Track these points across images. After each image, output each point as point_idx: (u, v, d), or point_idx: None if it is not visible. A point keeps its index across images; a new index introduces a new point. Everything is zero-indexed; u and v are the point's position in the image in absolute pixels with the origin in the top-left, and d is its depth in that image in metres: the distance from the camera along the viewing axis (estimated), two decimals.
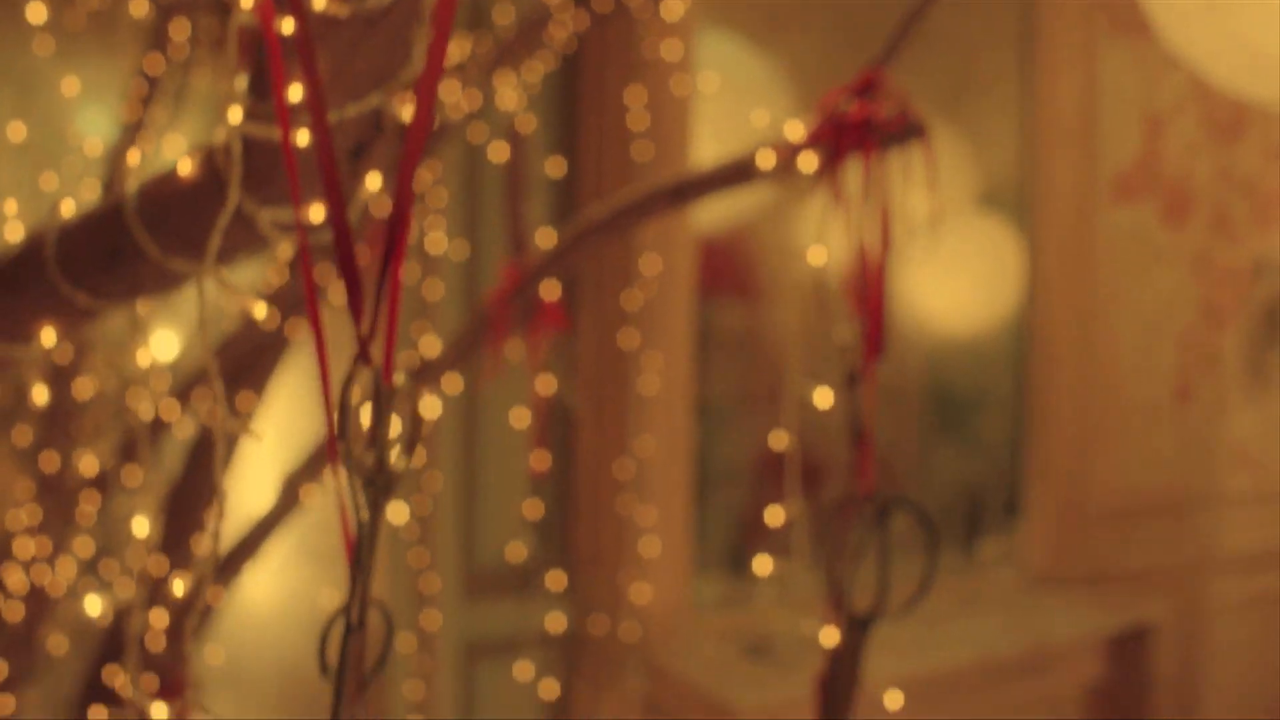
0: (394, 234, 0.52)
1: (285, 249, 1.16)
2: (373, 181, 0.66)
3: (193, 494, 1.43)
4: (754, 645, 2.09)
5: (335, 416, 0.50)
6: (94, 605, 0.81)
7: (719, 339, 2.24)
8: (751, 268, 2.27)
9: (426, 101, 0.49)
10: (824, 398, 1.03)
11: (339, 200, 0.49)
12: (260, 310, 0.57)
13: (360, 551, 0.51)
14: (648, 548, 2.08)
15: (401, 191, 0.49)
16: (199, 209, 0.68)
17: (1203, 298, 2.78)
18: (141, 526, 0.80)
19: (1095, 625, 2.28)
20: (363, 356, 0.51)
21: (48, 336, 0.77)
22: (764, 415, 2.26)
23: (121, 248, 0.72)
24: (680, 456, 2.11)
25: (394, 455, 0.53)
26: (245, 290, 0.55)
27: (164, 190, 0.70)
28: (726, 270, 2.23)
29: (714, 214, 2.18)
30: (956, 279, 2.45)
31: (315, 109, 0.48)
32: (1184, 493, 2.75)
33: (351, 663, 0.52)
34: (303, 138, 0.57)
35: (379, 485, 0.52)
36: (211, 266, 0.63)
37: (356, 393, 0.51)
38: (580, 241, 1.18)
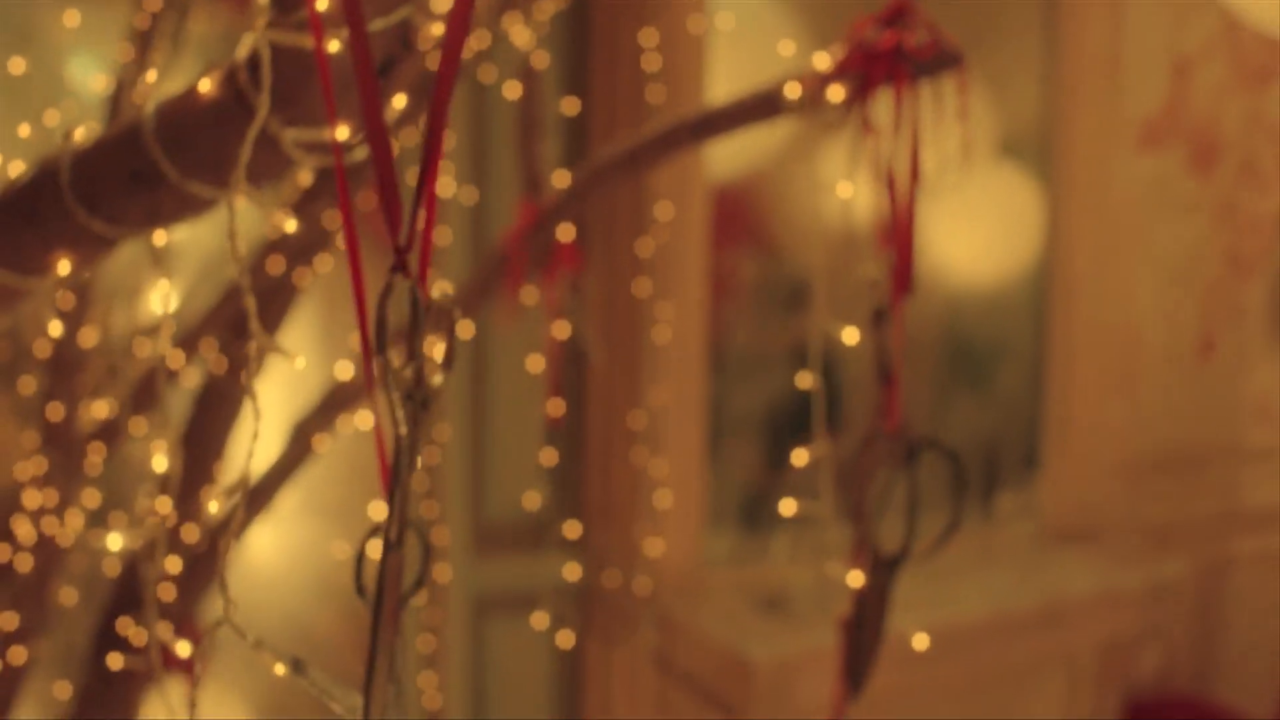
0: (431, 141, 0.51)
1: (304, 176, 1.15)
2: (399, 101, 0.65)
3: (201, 445, 1.44)
4: (769, 599, 2.10)
5: (372, 330, 0.50)
6: (115, 541, 0.82)
7: (733, 289, 2.23)
8: (767, 216, 2.25)
9: (463, 7, 0.49)
10: (850, 335, 1.03)
11: (375, 103, 0.48)
12: (291, 225, 0.57)
13: (399, 468, 0.51)
14: (661, 500, 2.09)
15: (439, 95, 0.48)
16: (220, 129, 0.67)
17: (1228, 248, 2.77)
18: (160, 463, 0.80)
19: (1113, 580, 2.29)
20: (400, 267, 0.51)
21: (63, 268, 0.76)
22: (780, 368, 2.26)
23: (140, 170, 0.71)
24: (694, 408, 2.11)
25: (432, 371, 0.53)
26: (272, 205, 0.55)
27: (183, 110, 0.69)
28: (742, 218, 2.22)
29: (729, 161, 2.17)
30: (975, 227, 2.44)
31: (351, 9, 0.47)
32: (1205, 447, 2.76)
33: (389, 583, 0.52)
34: (331, 48, 0.56)
35: (418, 400, 0.52)
36: (237, 187, 0.62)
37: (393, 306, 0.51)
38: (599, 178, 1.18)
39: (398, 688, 0.56)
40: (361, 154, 0.69)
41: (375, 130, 0.49)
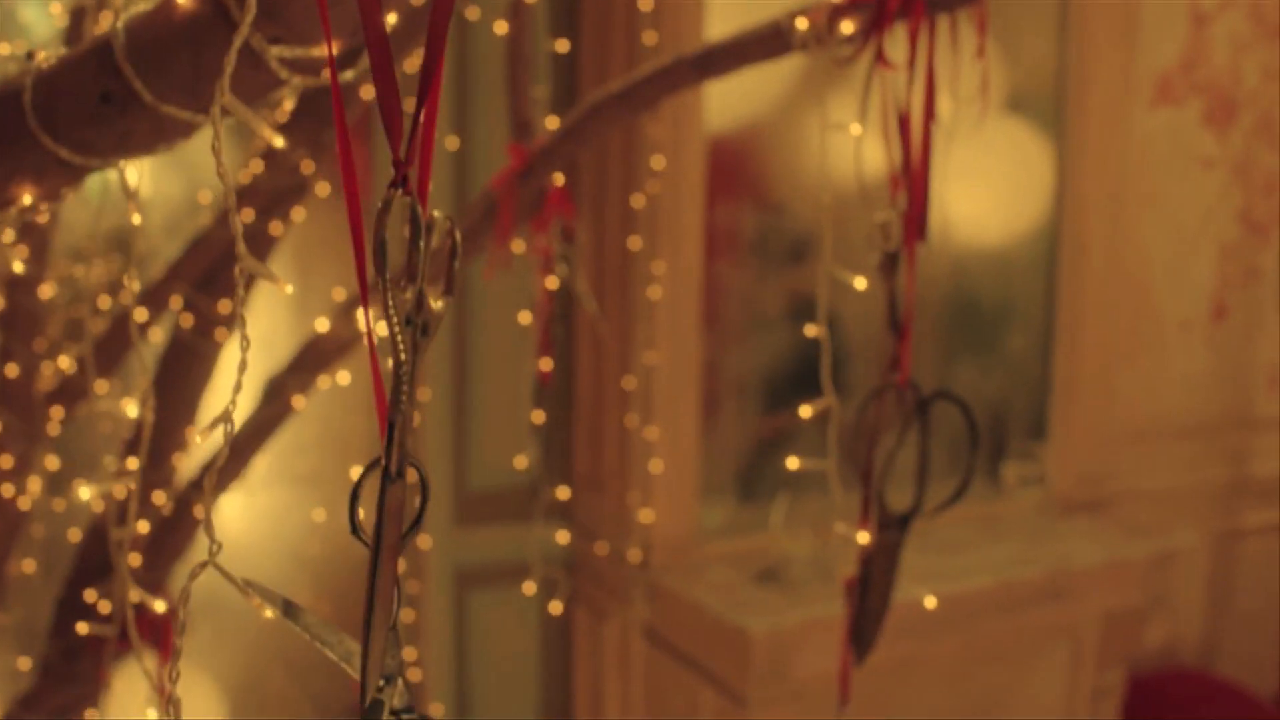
0: (431, 52, 0.50)
1: (282, 110, 1.13)
2: (390, 17, 0.64)
3: (170, 406, 1.42)
4: (766, 570, 2.11)
5: (371, 249, 0.50)
6: (86, 492, 0.81)
7: (731, 245, 2.23)
8: (767, 168, 2.24)
9: None
10: (860, 283, 1.03)
11: (374, 3, 0.47)
12: (279, 140, 0.55)
13: (397, 396, 0.50)
14: (654, 466, 2.09)
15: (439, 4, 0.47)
16: (198, 46, 0.66)
17: (1245, 208, 2.78)
18: (131, 415, 0.79)
19: (1119, 551, 2.30)
20: (399, 183, 0.50)
21: (26, 200, 0.75)
22: (780, 328, 2.26)
23: (110, 92, 0.69)
24: (689, 369, 2.10)
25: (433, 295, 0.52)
26: (258, 123, 0.54)
27: (157, 26, 0.67)
28: (740, 170, 2.21)
29: (728, 110, 2.15)
30: (984, 183, 2.43)
31: None
32: (1217, 415, 2.78)
33: (390, 518, 0.52)
34: None
35: (418, 325, 0.51)
36: (219, 107, 0.61)
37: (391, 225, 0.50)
38: (592, 118, 1.16)
39: (396, 633, 0.55)
40: (352, 75, 0.68)
41: (375, 33, 0.48)
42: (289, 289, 0.56)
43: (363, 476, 0.52)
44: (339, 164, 0.52)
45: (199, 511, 1.38)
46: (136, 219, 0.67)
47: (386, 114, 0.49)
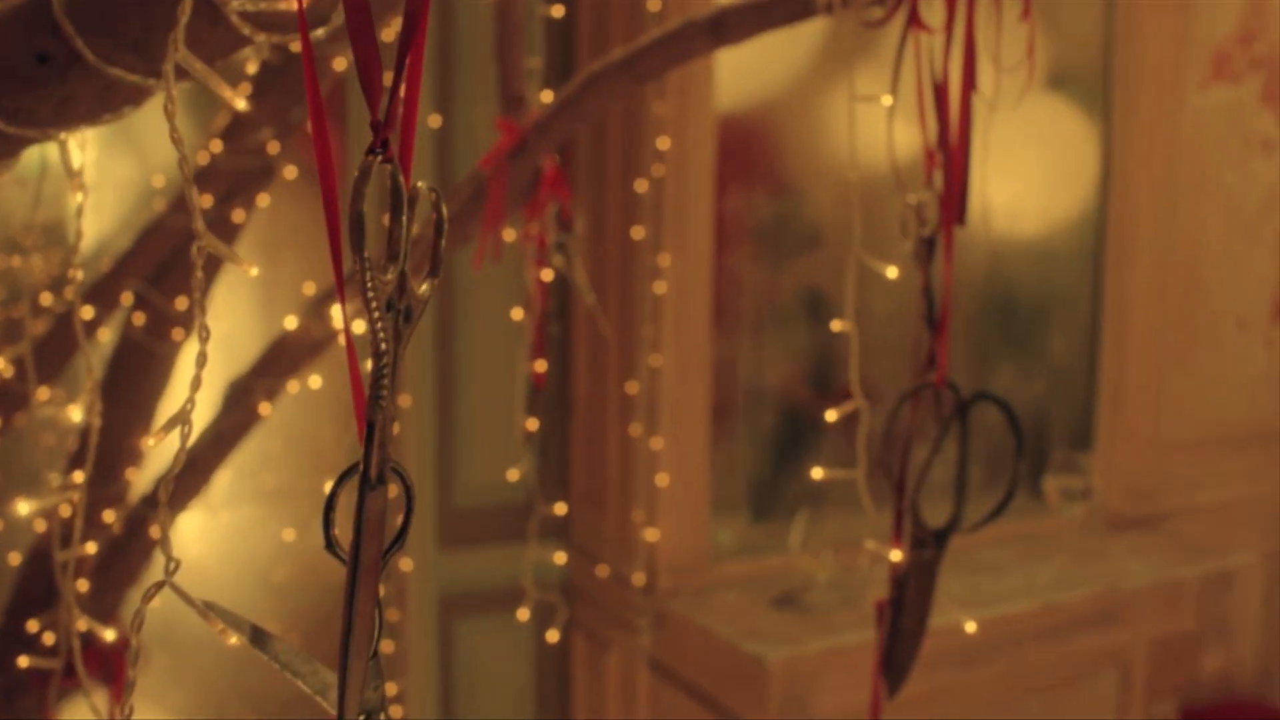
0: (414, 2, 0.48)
1: (245, 86, 1.11)
2: None
3: (120, 414, 1.40)
4: (783, 595, 2.09)
5: (347, 225, 0.47)
6: (24, 508, 0.78)
7: (744, 235, 2.21)
8: (784, 151, 2.23)
9: None
10: (891, 272, 1.01)
11: None
12: (241, 103, 0.53)
13: (378, 391, 0.48)
14: (660, 480, 2.07)
15: None
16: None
17: None
18: (76, 417, 0.77)
19: (1172, 572, 2.30)
20: (379, 149, 0.48)
21: None
22: (798, 326, 2.24)
23: (49, 53, 0.67)
24: (698, 372, 2.09)
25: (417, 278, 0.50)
26: (216, 83, 0.51)
27: None
28: (754, 153, 2.20)
29: (741, 86, 2.14)
30: (1024, 167, 2.42)
31: None
32: (1278, 423, 2.76)
33: (370, 530, 0.50)
34: None
35: (399, 310, 0.49)
36: (172, 65, 0.59)
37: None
38: (593, 90, 1.15)
39: (378, 663, 0.54)
40: (323, 33, 0.66)
41: None
42: (254, 271, 0.54)
43: (338, 484, 0.50)
44: (310, 120, 0.49)
45: (155, 530, 1.36)
46: (79, 197, 0.65)
47: (363, 67, 0.47)
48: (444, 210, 0.51)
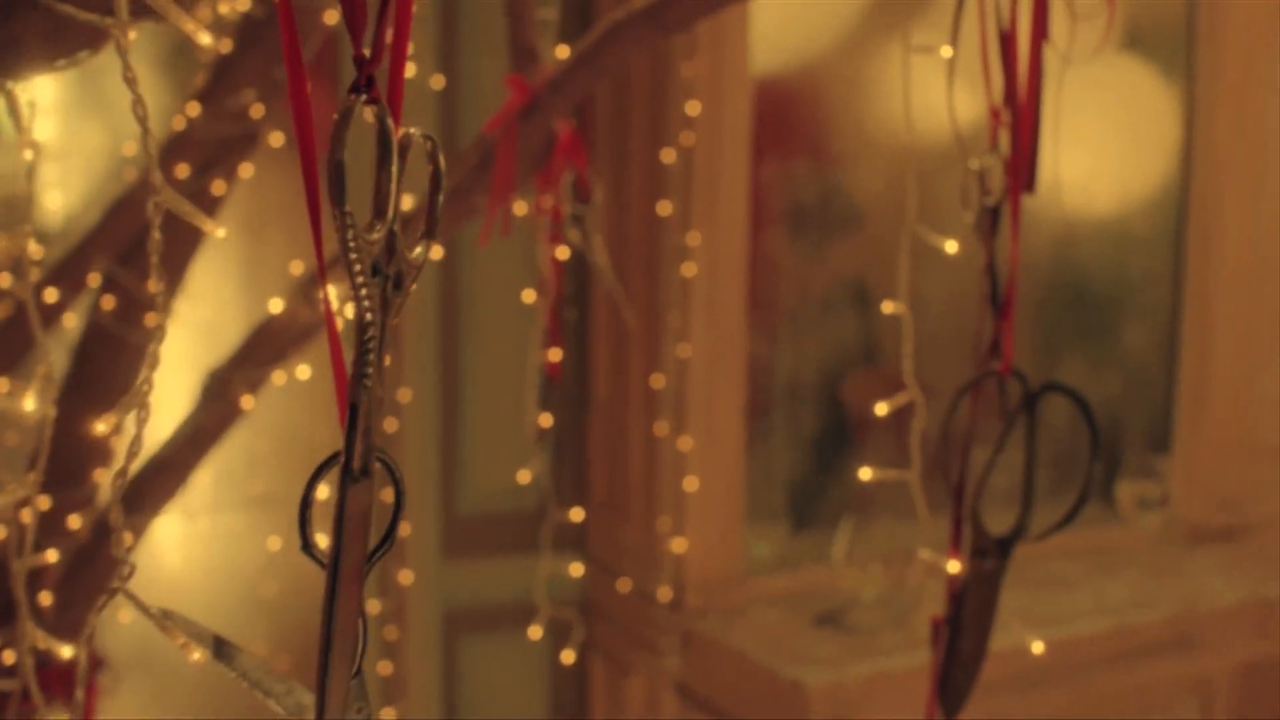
0: None
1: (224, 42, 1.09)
2: None
3: (84, 407, 1.39)
4: (824, 614, 2.09)
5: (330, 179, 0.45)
6: None
7: (781, 211, 2.20)
8: (827, 118, 2.21)
9: None
10: (950, 246, 0.98)
11: None
12: (206, 38, 0.51)
13: (362, 369, 0.46)
14: (688, 485, 2.06)
15: None
16: None
17: None
18: (31, 409, 0.75)
19: (1257, 590, 2.30)
20: (363, 87, 0.46)
21: None
22: (842, 314, 2.24)
23: None
24: (731, 365, 2.08)
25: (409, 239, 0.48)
26: (186, 20, 0.49)
27: None
28: (794, 121, 2.17)
29: (779, 47, 2.12)
30: (1096, 140, 2.40)
31: None
32: None
33: (353, 529, 0.48)
34: None
35: (388, 275, 0.47)
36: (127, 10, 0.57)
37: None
38: (613, 42, 1.13)
39: (362, 682, 0.52)
40: None
41: None
42: (220, 232, 0.52)
43: (316, 476, 0.48)
44: (289, 79, 0.47)
45: (129, 537, 1.36)
46: (28, 154, 0.63)
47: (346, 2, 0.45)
48: (440, 161, 0.48)
